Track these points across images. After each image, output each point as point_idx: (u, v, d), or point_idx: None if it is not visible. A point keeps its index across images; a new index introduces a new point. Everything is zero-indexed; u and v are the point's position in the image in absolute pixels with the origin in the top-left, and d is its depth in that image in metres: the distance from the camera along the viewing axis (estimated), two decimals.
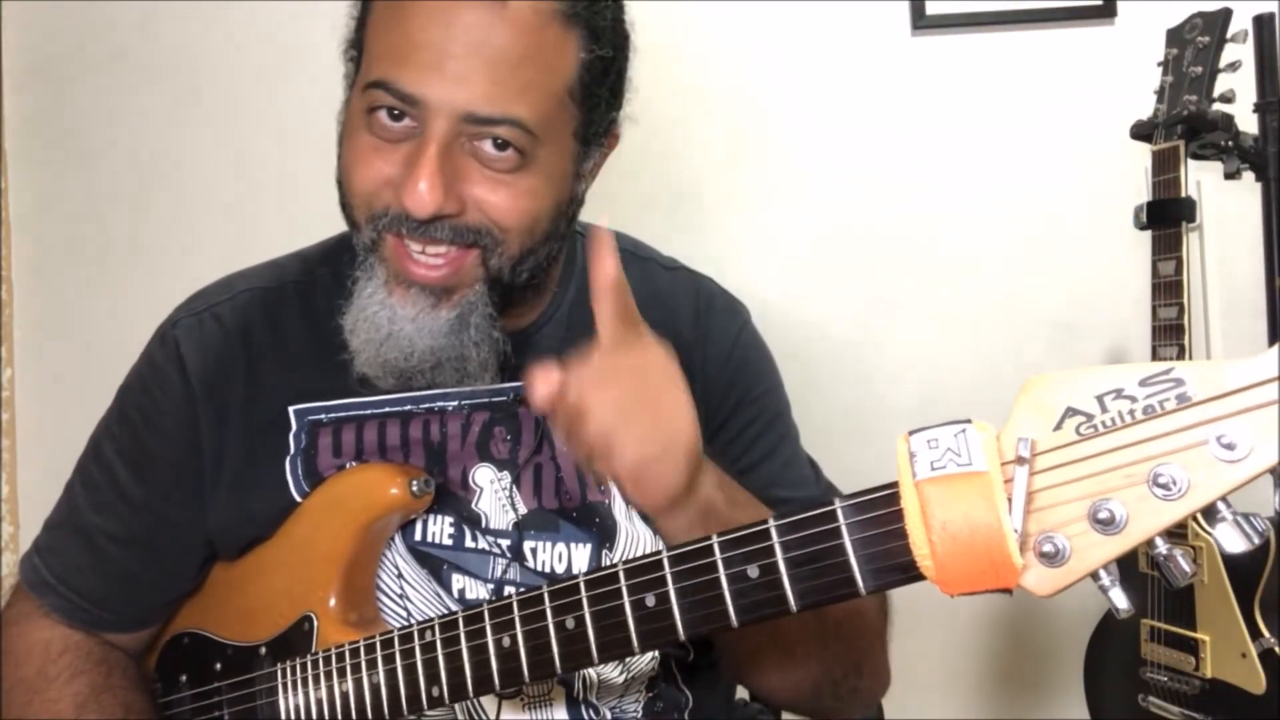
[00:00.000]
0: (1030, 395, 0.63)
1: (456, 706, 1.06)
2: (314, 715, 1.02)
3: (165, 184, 2.11)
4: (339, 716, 0.99)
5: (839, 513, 0.71)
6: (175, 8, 2.09)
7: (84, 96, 2.12)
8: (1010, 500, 0.62)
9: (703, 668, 1.18)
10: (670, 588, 0.79)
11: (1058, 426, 0.61)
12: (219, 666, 1.13)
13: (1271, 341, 1.63)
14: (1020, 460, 0.61)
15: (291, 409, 1.12)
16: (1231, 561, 1.59)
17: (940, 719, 2.05)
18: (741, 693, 1.30)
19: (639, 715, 1.13)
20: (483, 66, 0.94)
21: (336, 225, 1.25)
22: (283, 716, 1.04)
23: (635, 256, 1.27)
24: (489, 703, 1.07)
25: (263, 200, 2.10)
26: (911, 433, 0.66)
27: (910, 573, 0.67)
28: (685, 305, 1.23)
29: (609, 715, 1.11)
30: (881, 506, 0.69)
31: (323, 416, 1.12)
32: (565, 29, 0.98)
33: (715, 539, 0.78)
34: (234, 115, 2.10)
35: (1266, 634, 1.57)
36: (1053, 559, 0.61)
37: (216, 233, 2.09)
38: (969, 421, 0.64)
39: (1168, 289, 1.70)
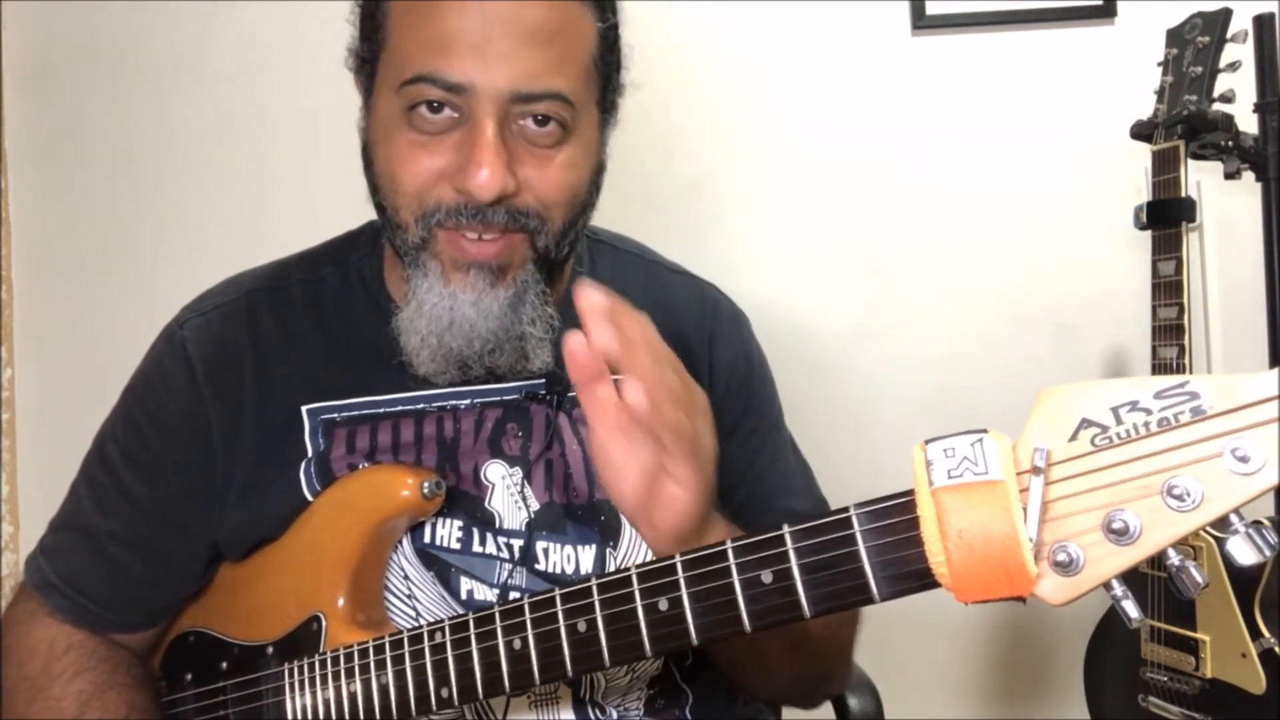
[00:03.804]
0: (1045, 406, 0.63)
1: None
2: (321, 715, 1.02)
3: (165, 184, 2.11)
4: (346, 717, 0.99)
5: (854, 519, 0.71)
6: (176, 8, 2.08)
7: (84, 96, 2.11)
8: (1025, 509, 0.62)
9: (702, 664, 1.18)
10: (683, 592, 0.79)
11: (1073, 437, 0.62)
12: (225, 665, 1.13)
13: (1271, 341, 1.64)
14: (1036, 470, 0.62)
15: (304, 408, 1.12)
16: (1232, 561, 1.59)
17: (940, 719, 2.06)
18: None
19: (640, 712, 1.14)
20: (523, 46, 0.97)
21: (338, 225, 1.26)
22: (289, 716, 1.04)
23: (641, 259, 1.29)
24: (496, 700, 1.07)
25: (263, 200, 2.10)
26: (928, 441, 0.67)
27: (925, 580, 0.68)
28: (691, 310, 1.25)
29: (615, 715, 1.12)
30: (897, 514, 0.69)
31: (336, 416, 1.12)
32: (583, 2, 1.03)
33: (729, 544, 0.78)
34: (235, 115, 2.10)
35: (1266, 634, 1.57)
36: (1066, 568, 0.61)
37: (217, 233, 2.09)
38: (985, 431, 0.65)
39: (1168, 289, 1.71)
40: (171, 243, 2.10)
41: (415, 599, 1.10)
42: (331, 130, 2.00)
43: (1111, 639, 1.81)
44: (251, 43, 2.10)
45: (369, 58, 1.06)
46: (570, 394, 1.14)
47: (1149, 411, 0.60)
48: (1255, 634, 1.58)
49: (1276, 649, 1.56)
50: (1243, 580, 1.59)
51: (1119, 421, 0.60)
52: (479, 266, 1.03)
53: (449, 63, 0.97)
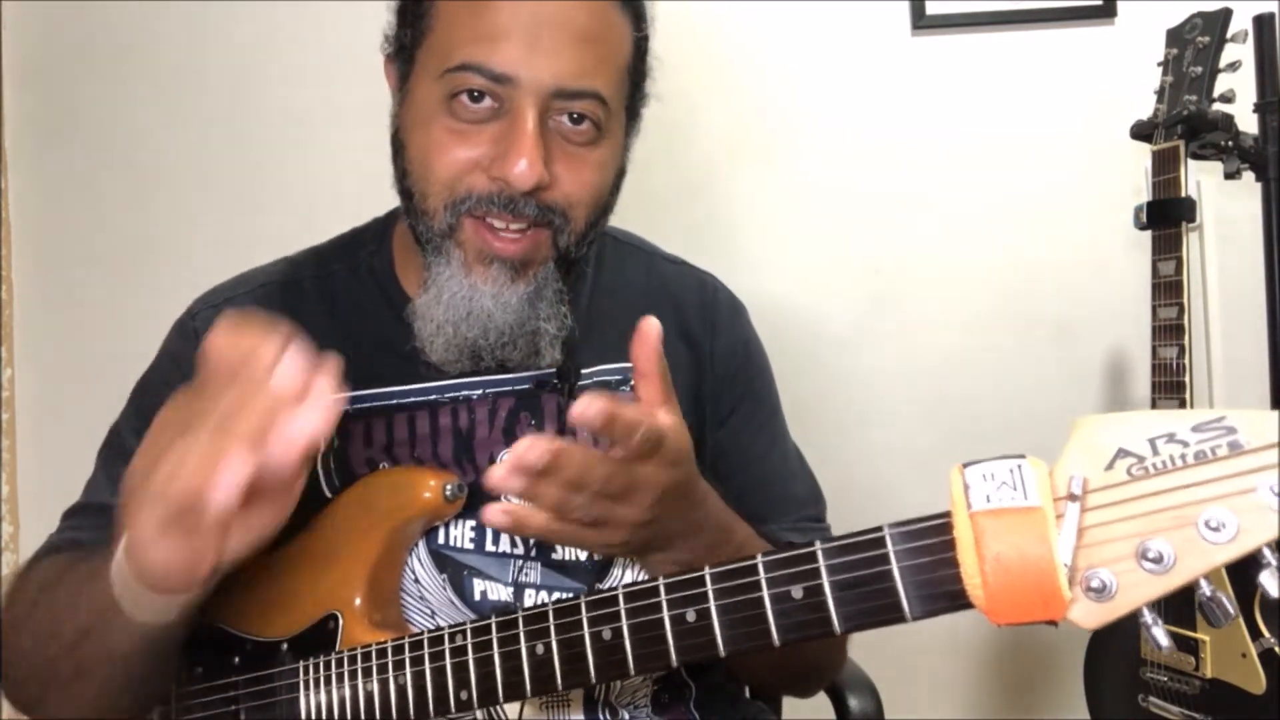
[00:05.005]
0: (1082, 435, 0.64)
1: None
2: (336, 714, 1.01)
3: (166, 183, 2.11)
4: (362, 716, 0.99)
5: (888, 538, 0.72)
6: (176, 7, 2.08)
7: (84, 96, 2.11)
8: (1061, 535, 0.63)
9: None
10: (712, 604, 0.79)
11: (1109, 466, 0.62)
12: (237, 660, 1.11)
13: (1271, 341, 1.65)
14: (1072, 497, 0.62)
15: None
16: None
17: (940, 719, 2.07)
18: None
19: (649, 710, 1.14)
20: (569, 44, 1.01)
21: (338, 224, 1.27)
22: (303, 714, 1.03)
23: (640, 250, 1.31)
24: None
25: (263, 199, 2.09)
26: (966, 465, 0.67)
27: (958, 601, 0.68)
28: (691, 298, 1.27)
29: (625, 717, 1.12)
30: (932, 535, 0.70)
31: (349, 408, 1.12)
32: (622, 11, 1.07)
33: (760, 559, 0.78)
34: (235, 114, 2.10)
35: (1266, 634, 1.57)
36: (1100, 594, 0.62)
37: (217, 232, 2.09)
38: (1023, 456, 0.65)
39: (1168, 289, 1.72)
40: (171, 242, 2.10)
41: (426, 601, 1.10)
42: (331, 129, 2.02)
43: (1112, 638, 1.82)
44: (251, 42, 2.09)
45: (409, 44, 1.08)
46: (581, 383, 1.15)
47: (1186, 444, 0.60)
48: (1255, 634, 1.58)
49: (1276, 649, 1.57)
50: (1243, 580, 1.60)
51: (1155, 452, 0.61)
52: (502, 261, 1.04)
53: (496, 53, 0.99)
